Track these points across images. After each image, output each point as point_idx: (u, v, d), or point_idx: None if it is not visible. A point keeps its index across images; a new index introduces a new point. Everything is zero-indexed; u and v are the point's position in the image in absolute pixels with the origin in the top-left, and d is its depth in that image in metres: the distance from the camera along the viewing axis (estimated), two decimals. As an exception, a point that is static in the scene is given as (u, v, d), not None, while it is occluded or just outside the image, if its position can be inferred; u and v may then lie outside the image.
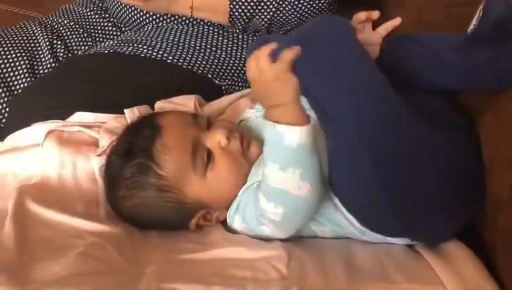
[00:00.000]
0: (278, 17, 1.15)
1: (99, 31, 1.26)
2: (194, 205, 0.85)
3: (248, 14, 1.13)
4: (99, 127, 0.98)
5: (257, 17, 1.13)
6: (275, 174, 0.77)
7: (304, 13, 1.14)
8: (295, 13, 1.13)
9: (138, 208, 0.85)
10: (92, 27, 1.26)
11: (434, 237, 0.84)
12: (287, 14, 1.14)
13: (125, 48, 1.13)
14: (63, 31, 1.22)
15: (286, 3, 1.13)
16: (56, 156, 0.94)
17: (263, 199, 0.78)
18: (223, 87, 1.15)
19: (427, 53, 0.85)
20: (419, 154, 0.77)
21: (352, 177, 0.78)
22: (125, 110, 0.97)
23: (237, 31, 1.17)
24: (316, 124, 0.78)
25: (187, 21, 1.18)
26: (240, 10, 1.13)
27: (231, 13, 1.13)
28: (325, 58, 0.75)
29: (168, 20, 1.18)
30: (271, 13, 1.13)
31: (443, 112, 0.86)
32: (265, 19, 1.14)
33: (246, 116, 0.97)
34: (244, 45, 1.17)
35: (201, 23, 1.17)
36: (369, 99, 0.75)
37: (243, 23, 1.15)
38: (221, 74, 1.14)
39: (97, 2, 1.30)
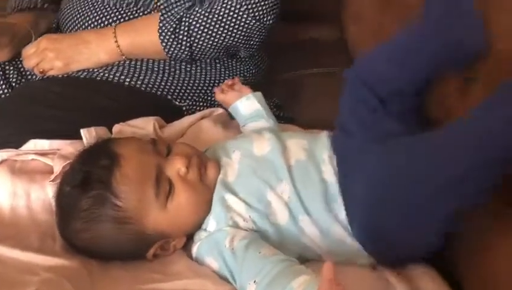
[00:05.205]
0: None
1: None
2: (153, 235, 0.82)
3: (187, 48, 1.10)
4: (55, 154, 0.94)
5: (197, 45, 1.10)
6: None
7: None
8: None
9: (95, 240, 0.81)
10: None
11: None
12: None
13: (80, 72, 1.10)
14: (14, 56, 1.17)
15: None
16: (8, 186, 0.90)
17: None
18: (184, 108, 1.12)
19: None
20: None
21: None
22: (81, 130, 0.93)
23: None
24: None
25: None
26: (177, 48, 1.09)
27: (168, 52, 1.10)
28: None
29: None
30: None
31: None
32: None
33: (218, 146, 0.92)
34: (203, 65, 1.15)
35: None
36: None
37: (187, 57, 1.11)
38: (181, 94, 1.12)
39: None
